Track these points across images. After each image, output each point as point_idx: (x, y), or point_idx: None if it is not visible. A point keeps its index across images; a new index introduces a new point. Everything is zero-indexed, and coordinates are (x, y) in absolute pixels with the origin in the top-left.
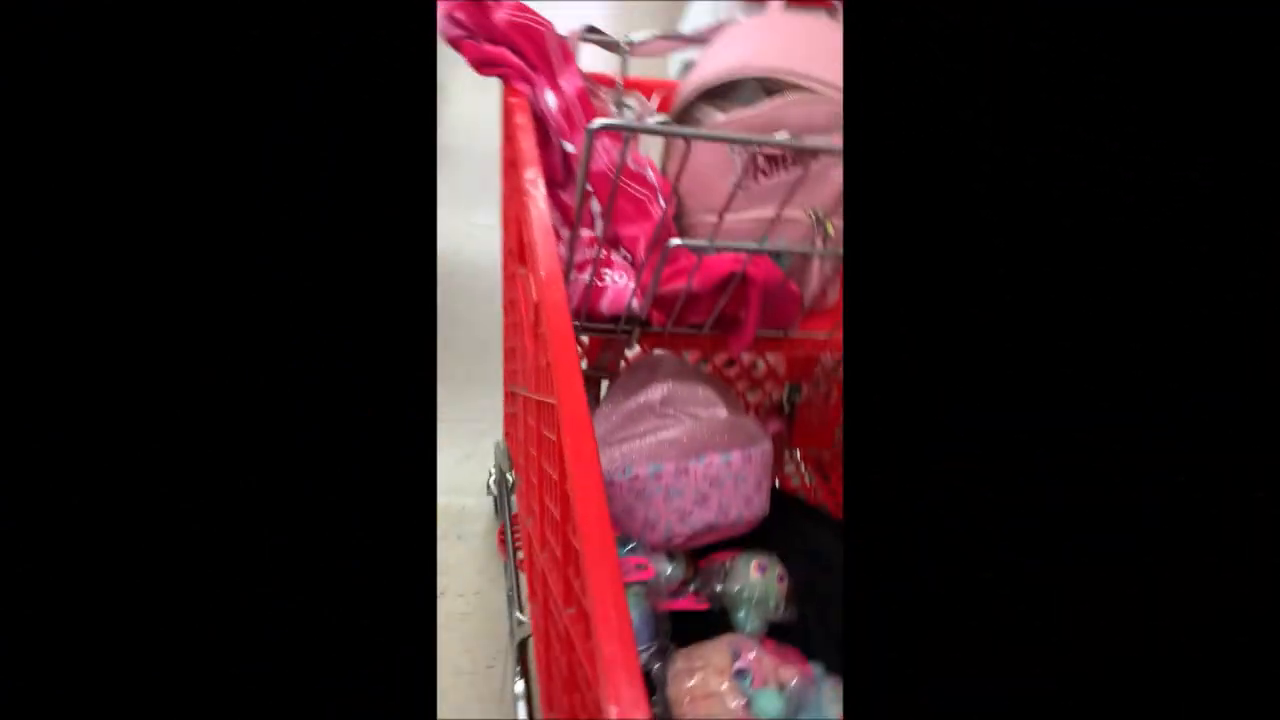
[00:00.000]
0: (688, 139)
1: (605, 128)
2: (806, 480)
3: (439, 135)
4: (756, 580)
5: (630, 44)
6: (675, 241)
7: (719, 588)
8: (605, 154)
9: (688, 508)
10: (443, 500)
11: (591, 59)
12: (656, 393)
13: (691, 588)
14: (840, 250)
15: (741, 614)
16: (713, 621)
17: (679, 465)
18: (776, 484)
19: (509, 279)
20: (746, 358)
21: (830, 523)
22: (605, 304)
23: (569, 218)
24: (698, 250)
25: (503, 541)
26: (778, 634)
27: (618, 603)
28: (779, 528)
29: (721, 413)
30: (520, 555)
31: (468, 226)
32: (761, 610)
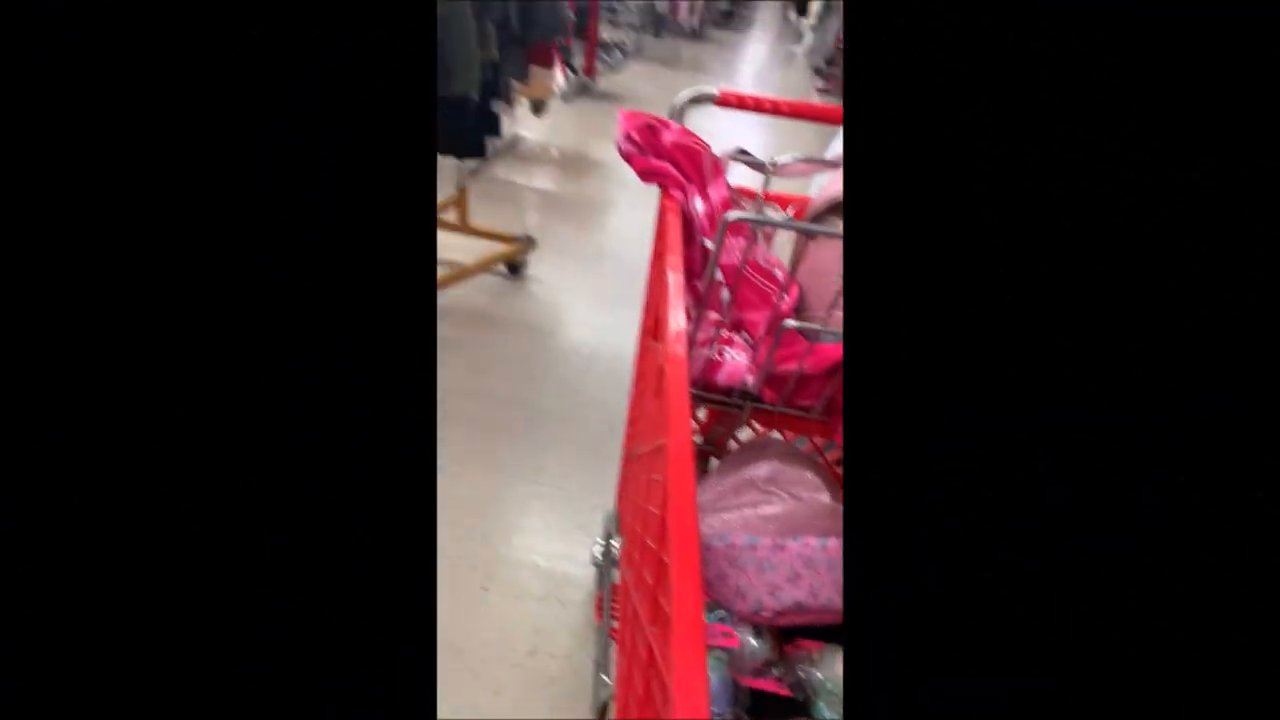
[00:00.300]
0: (804, 233)
1: (737, 220)
2: None
3: (601, 240)
4: (843, 675)
5: (775, 164)
6: (789, 323)
7: (802, 675)
8: (737, 250)
9: (779, 583)
10: (548, 564)
11: (742, 177)
12: (763, 469)
13: (775, 672)
14: None
15: (822, 704)
16: (793, 708)
17: (776, 541)
18: None
19: (642, 354)
20: None
21: None
22: (722, 376)
23: (702, 303)
24: (809, 334)
25: (599, 607)
26: None
27: (697, 658)
28: None
29: (825, 498)
30: (615, 623)
31: (614, 320)
32: (842, 705)
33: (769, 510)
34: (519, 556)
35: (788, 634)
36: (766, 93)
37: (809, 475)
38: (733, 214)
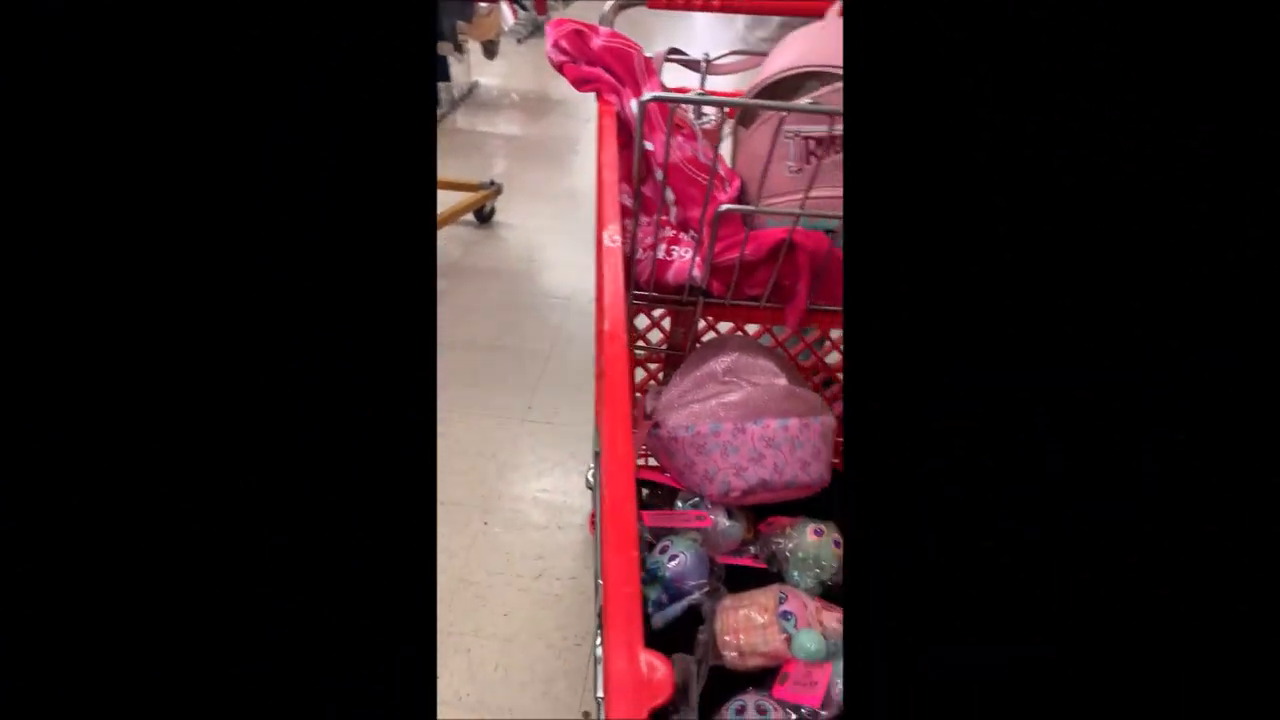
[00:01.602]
0: (720, 107)
1: (655, 99)
2: None
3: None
4: (812, 543)
5: (709, 61)
6: (724, 207)
7: (775, 548)
8: (678, 149)
9: (743, 464)
10: (545, 496)
11: (678, 78)
12: (722, 362)
13: (751, 549)
14: None
15: (795, 573)
16: (768, 578)
17: (737, 425)
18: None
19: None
20: (815, 335)
21: None
22: (671, 274)
23: (649, 208)
24: (746, 220)
25: (592, 523)
26: (830, 597)
27: (629, 571)
28: (841, 501)
29: (781, 382)
30: None
31: (589, 258)
32: (814, 571)
33: (730, 398)
34: (517, 491)
35: (761, 513)
36: None
37: (766, 363)
38: (650, 94)
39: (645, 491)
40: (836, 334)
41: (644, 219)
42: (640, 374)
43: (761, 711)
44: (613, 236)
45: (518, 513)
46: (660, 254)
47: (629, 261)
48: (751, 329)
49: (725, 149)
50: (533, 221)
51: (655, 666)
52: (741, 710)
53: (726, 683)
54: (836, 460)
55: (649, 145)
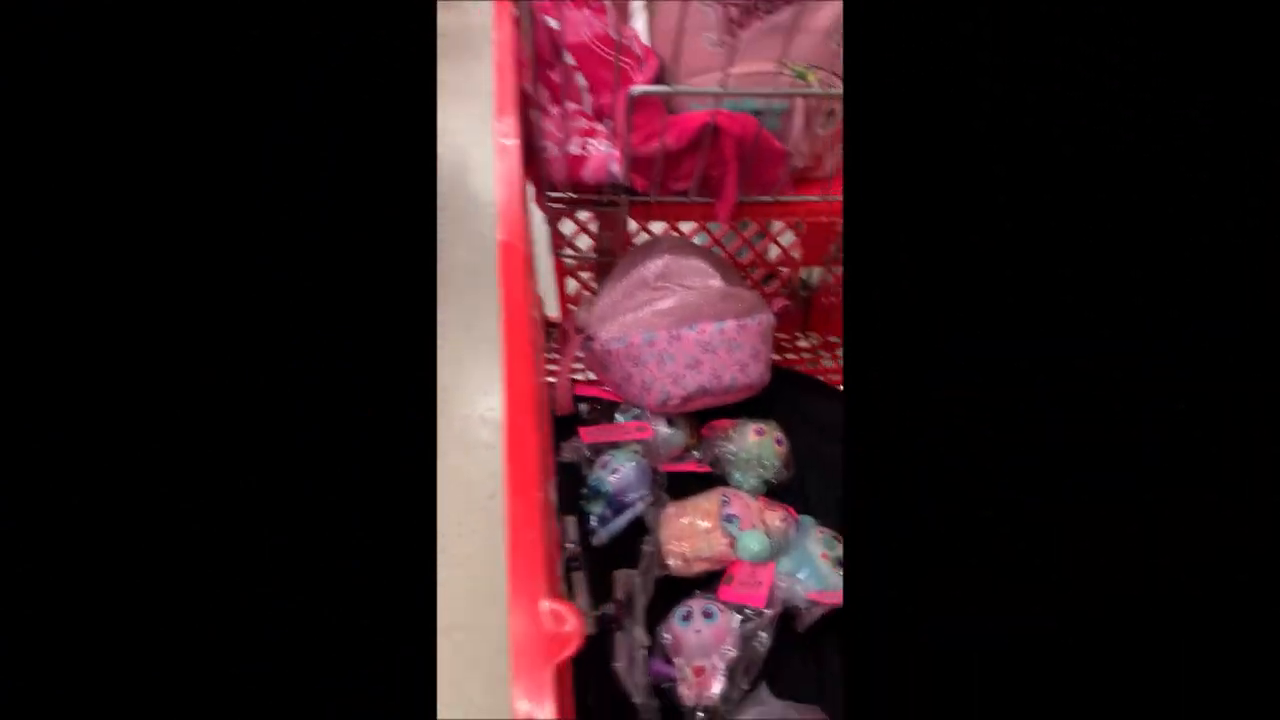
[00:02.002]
0: None
1: None
2: (824, 364)
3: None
4: (754, 442)
5: None
6: (637, 89)
7: (718, 452)
8: (587, 25)
9: (680, 371)
10: (493, 414)
11: None
12: (654, 267)
13: (694, 455)
14: (829, 95)
15: (738, 475)
16: (712, 482)
17: (672, 332)
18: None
19: None
20: (752, 229)
21: (837, 395)
22: (587, 172)
23: (556, 96)
24: (666, 101)
25: None
26: (775, 494)
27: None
28: (781, 399)
29: (716, 283)
30: None
31: None
32: (757, 470)
33: (663, 305)
34: (464, 412)
35: (702, 418)
36: None
37: (700, 264)
38: None
39: (584, 407)
40: (776, 226)
41: (555, 110)
42: (573, 285)
43: (708, 615)
44: (506, 133)
45: (465, 435)
46: (574, 149)
47: (539, 159)
48: (687, 228)
49: (641, 25)
50: (457, 125)
51: (563, 617)
52: (688, 616)
53: (673, 590)
54: (778, 357)
55: (552, 23)
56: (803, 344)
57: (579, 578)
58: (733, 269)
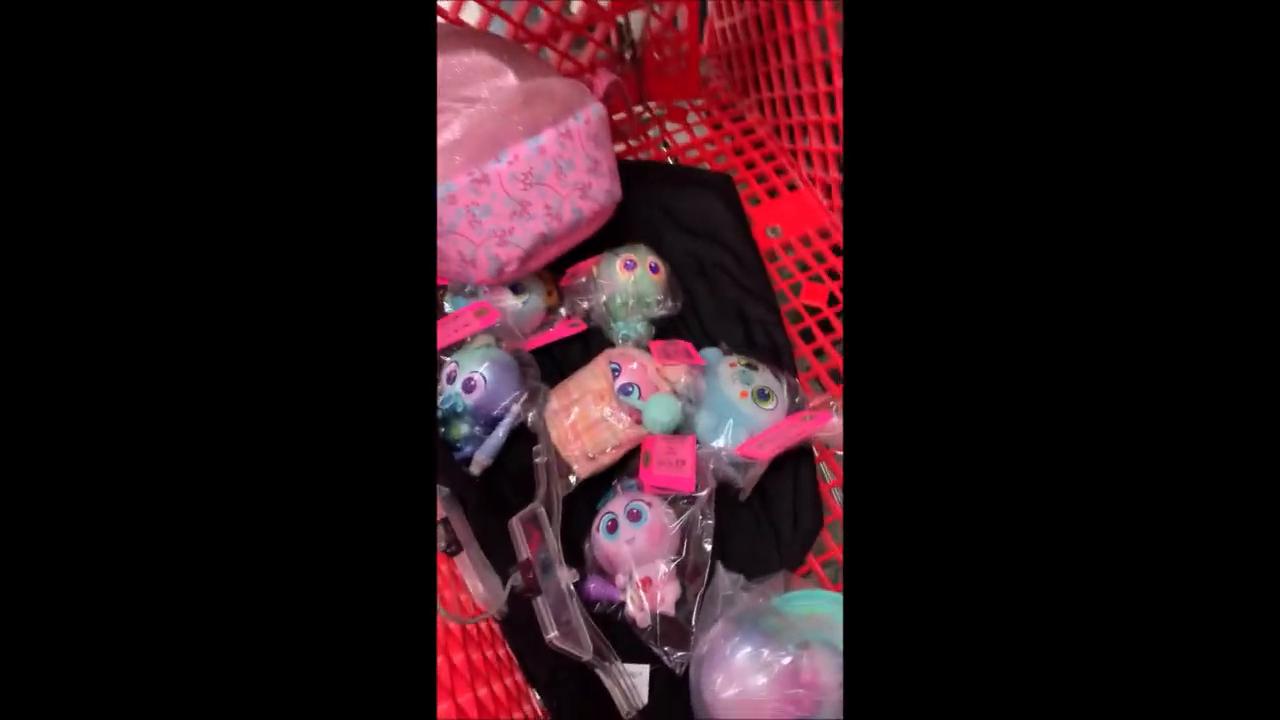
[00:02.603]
0: None
1: None
2: (677, 139)
3: None
4: (626, 281)
5: None
6: None
7: (587, 305)
8: None
9: (505, 225)
10: None
11: None
12: None
13: (562, 312)
14: None
15: (619, 324)
16: (590, 342)
17: (472, 174)
18: (629, 152)
19: None
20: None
21: (706, 178)
22: None
23: None
24: None
25: None
26: (668, 331)
27: None
28: (641, 208)
29: (509, 80)
30: None
31: None
32: (640, 312)
33: (447, 136)
34: None
35: (557, 267)
36: None
37: (480, 57)
38: None
39: None
40: None
41: None
42: None
43: (635, 517)
44: None
45: None
46: None
47: None
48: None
49: None
50: None
51: None
52: (613, 527)
53: (590, 490)
54: (620, 148)
55: None
56: (646, 120)
57: (464, 560)
58: (524, 50)
